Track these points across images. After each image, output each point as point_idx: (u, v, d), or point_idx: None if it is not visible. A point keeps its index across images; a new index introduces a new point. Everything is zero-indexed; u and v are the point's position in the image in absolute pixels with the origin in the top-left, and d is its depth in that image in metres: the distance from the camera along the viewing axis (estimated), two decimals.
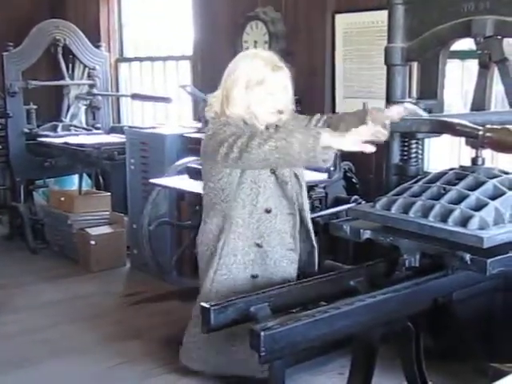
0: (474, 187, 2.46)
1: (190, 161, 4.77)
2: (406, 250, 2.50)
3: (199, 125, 5.57)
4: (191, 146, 5.30)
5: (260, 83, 2.69)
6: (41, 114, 7.01)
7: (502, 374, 1.81)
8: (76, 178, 6.69)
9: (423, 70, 3.20)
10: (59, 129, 6.91)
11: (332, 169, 4.21)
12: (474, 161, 2.62)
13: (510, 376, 1.73)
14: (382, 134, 2.48)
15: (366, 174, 4.52)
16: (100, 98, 7.06)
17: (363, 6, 4.54)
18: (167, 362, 3.89)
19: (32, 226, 6.63)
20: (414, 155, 3.20)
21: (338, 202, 4.30)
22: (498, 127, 2.43)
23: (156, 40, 6.85)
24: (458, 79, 4.19)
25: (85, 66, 7.09)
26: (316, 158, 2.42)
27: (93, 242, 5.87)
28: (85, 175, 6.70)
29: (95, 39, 7.09)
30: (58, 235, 6.32)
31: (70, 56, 7.10)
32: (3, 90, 6.58)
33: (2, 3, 7.18)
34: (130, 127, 6.22)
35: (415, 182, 2.65)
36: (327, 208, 4.26)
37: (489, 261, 2.22)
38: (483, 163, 2.62)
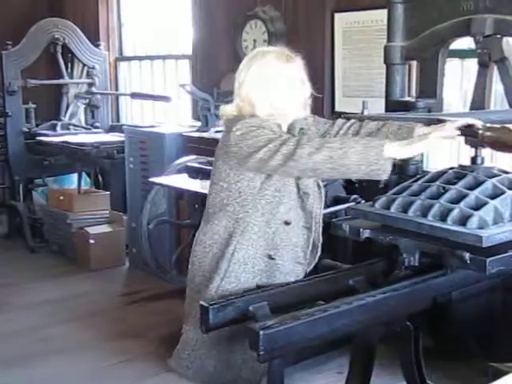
0: (473, 186, 2.46)
1: (189, 160, 4.77)
2: (406, 249, 2.50)
3: (198, 124, 5.58)
4: (190, 144, 5.31)
5: (277, 77, 2.61)
6: (40, 113, 7.01)
7: (501, 374, 1.80)
8: (75, 176, 6.69)
9: (422, 69, 3.21)
10: (58, 128, 6.90)
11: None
12: (474, 160, 2.62)
13: (509, 375, 1.73)
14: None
15: None
16: (99, 96, 7.06)
17: (363, 4, 4.54)
18: (166, 361, 3.89)
19: (31, 224, 6.64)
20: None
21: (337, 201, 4.29)
22: (498, 126, 2.43)
23: (155, 39, 6.84)
24: (458, 78, 4.18)
25: (84, 65, 7.09)
26: (378, 170, 2.35)
27: (92, 241, 5.87)
28: (84, 174, 6.70)
29: (94, 38, 7.08)
30: (57, 234, 6.32)
31: (69, 55, 7.10)
32: (2, 88, 6.58)
33: (0, 2, 7.17)
34: (129, 126, 6.22)
35: (414, 181, 2.65)
36: (326, 207, 4.24)
37: (488, 260, 2.22)
38: (483, 162, 2.62)
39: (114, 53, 7.27)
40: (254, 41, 5.29)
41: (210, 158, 4.66)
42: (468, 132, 2.44)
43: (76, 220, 6.06)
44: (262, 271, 2.63)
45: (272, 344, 2.14)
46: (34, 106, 6.86)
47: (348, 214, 2.73)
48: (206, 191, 4.08)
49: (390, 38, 3.25)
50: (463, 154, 3.37)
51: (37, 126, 6.88)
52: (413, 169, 3.15)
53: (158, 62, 6.81)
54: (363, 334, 2.66)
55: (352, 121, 2.77)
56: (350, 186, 4.48)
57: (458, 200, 2.40)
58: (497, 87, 3.28)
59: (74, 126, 7.07)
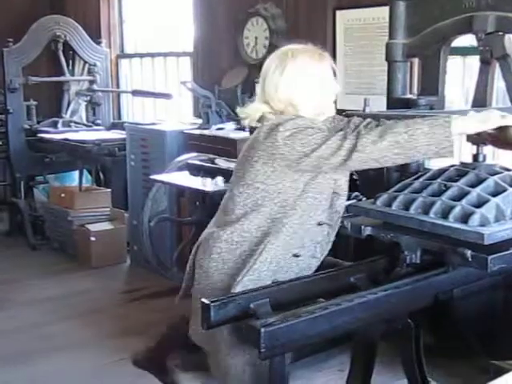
0: (475, 184, 2.45)
1: (190, 157, 4.77)
2: (407, 246, 2.49)
3: (199, 121, 5.58)
4: (191, 142, 5.30)
5: (315, 76, 2.59)
6: (41, 110, 7.02)
7: (502, 371, 1.80)
8: (76, 174, 6.69)
9: (424, 67, 3.20)
10: (59, 125, 6.91)
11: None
12: (475, 157, 2.62)
13: (510, 373, 1.73)
14: None
15: (367, 171, 4.50)
16: (100, 94, 7.06)
17: (364, 2, 4.54)
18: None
19: (32, 222, 6.65)
20: None
21: None
22: None
23: (156, 36, 6.83)
24: (459, 75, 4.18)
25: (85, 62, 7.09)
26: (449, 147, 2.31)
27: (93, 239, 5.87)
28: (85, 171, 6.70)
29: (95, 35, 7.08)
30: (58, 231, 6.33)
31: (71, 52, 7.11)
32: (3, 85, 6.58)
33: None
34: (131, 123, 6.22)
35: (416, 179, 2.65)
36: None
37: (490, 257, 2.21)
38: (484, 160, 2.62)
39: (115, 50, 7.27)
40: (256, 38, 5.29)
41: (211, 156, 4.67)
42: None
43: (77, 217, 6.07)
44: (282, 267, 2.61)
45: (273, 341, 2.14)
46: (35, 103, 6.86)
47: (349, 212, 2.73)
48: (207, 189, 4.13)
49: (391, 36, 3.24)
50: (465, 151, 3.37)
51: (38, 123, 6.88)
52: (414, 166, 3.14)
53: (159, 60, 6.81)
54: (364, 331, 2.66)
55: (368, 119, 2.76)
56: (351, 183, 4.47)
57: (459, 197, 2.40)
58: (499, 84, 3.28)
59: (75, 123, 7.07)
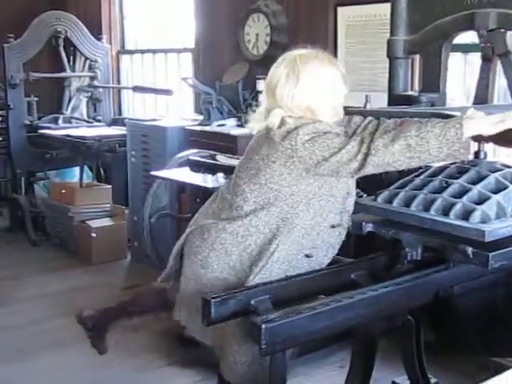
0: (476, 181, 2.45)
1: (191, 153, 4.77)
2: (408, 243, 2.49)
3: (201, 117, 5.58)
4: (192, 138, 5.30)
5: (328, 81, 2.61)
6: (42, 106, 7.02)
7: (503, 368, 1.80)
8: (77, 170, 6.69)
9: (426, 63, 3.19)
10: (60, 121, 6.91)
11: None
12: (476, 154, 2.62)
13: (510, 370, 1.73)
14: None
15: None
16: (101, 90, 7.06)
17: None
18: (167, 354, 3.90)
19: (33, 218, 6.65)
20: None
21: None
22: None
23: (157, 32, 6.83)
24: (461, 72, 4.18)
25: (86, 58, 7.09)
26: (461, 149, 2.30)
27: (93, 235, 5.87)
28: (86, 167, 6.70)
29: (96, 31, 7.08)
30: (59, 227, 6.33)
31: (71, 48, 7.11)
32: (4, 81, 6.58)
33: None
34: (131, 119, 6.22)
35: (417, 176, 2.65)
36: None
37: (491, 254, 2.21)
38: (485, 157, 2.62)
39: (116, 46, 7.27)
40: (257, 35, 5.29)
41: (212, 152, 4.67)
42: None
43: (78, 213, 6.07)
44: (294, 267, 2.61)
45: (274, 337, 2.14)
46: (36, 99, 6.86)
47: None
48: (207, 185, 4.12)
49: (393, 32, 3.24)
50: None
51: (39, 119, 6.88)
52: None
53: (160, 56, 6.81)
54: (365, 327, 2.66)
55: (369, 118, 2.76)
56: None
57: (460, 194, 2.40)
58: (500, 82, 3.27)
59: (76, 119, 7.07)
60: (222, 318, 2.32)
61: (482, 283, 2.61)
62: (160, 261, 5.05)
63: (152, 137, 5.57)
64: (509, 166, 2.59)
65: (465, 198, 2.37)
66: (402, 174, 2.94)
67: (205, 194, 4.33)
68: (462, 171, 2.54)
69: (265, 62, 4.59)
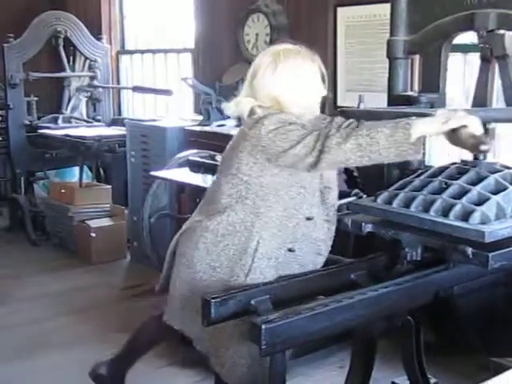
0: (475, 182, 2.46)
1: (190, 153, 4.77)
2: (408, 243, 2.50)
3: (200, 118, 5.58)
4: (192, 138, 5.31)
5: (305, 78, 2.62)
6: (41, 106, 7.02)
7: (503, 369, 1.81)
8: (76, 170, 6.69)
9: (425, 64, 3.19)
10: (60, 121, 6.91)
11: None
12: (476, 155, 2.62)
13: (511, 370, 1.73)
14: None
15: (367, 168, 4.51)
16: (101, 90, 7.05)
17: None
18: (168, 354, 3.89)
19: (32, 217, 6.65)
20: None
21: (338, 195, 4.29)
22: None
23: (157, 32, 6.83)
24: (460, 73, 4.18)
25: (86, 58, 7.09)
26: (410, 150, 2.33)
27: (93, 235, 5.87)
28: (85, 167, 6.70)
29: (96, 31, 7.08)
30: (59, 227, 6.33)
31: (71, 48, 7.11)
32: (4, 81, 6.58)
33: None
34: (131, 120, 6.22)
35: (417, 177, 2.65)
36: None
37: (491, 255, 2.22)
38: (485, 158, 2.62)
39: (115, 46, 7.27)
40: (257, 35, 5.29)
41: (211, 152, 4.66)
42: None
43: (77, 213, 6.07)
44: (282, 263, 2.63)
45: (274, 338, 2.14)
46: (35, 98, 6.86)
47: (350, 209, 2.73)
48: (207, 185, 4.11)
49: (392, 33, 3.24)
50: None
51: (38, 118, 6.88)
52: (415, 163, 3.13)
53: (159, 56, 6.81)
54: (365, 328, 2.66)
55: (351, 120, 2.76)
56: (352, 180, 4.48)
57: (460, 195, 2.40)
58: (499, 83, 3.27)
59: (76, 119, 7.07)
60: (222, 318, 2.33)
61: (482, 283, 2.61)
62: (159, 261, 5.05)
63: (152, 137, 5.57)
64: (508, 167, 2.59)
65: (464, 199, 2.37)
66: (402, 174, 2.95)
67: (204, 194, 4.34)
68: (461, 172, 2.54)
69: None
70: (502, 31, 2.83)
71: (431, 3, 3.11)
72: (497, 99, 3.50)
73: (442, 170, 2.62)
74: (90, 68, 7.05)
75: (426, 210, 2.43)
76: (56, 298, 5.02)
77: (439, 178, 2.55)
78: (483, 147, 2.34)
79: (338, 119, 2.77)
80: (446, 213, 2.37)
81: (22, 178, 6.71)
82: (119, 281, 5.49)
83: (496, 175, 2.47)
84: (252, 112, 2.65)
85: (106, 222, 6.07)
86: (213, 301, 2.29)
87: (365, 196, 4.02)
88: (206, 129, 5.27)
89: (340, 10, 4.72)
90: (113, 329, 4.39)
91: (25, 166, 6.71)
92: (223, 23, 5.69)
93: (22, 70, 6.61)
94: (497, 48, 2.79)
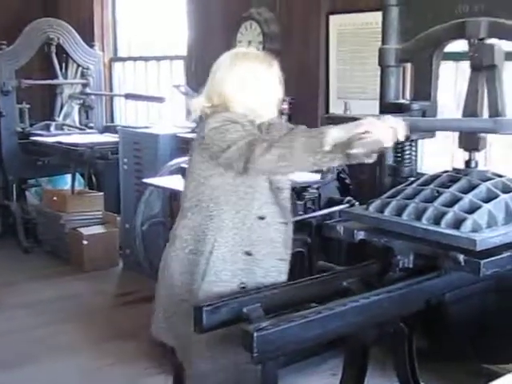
0: (467, 190, 2.47)
1: (183, 161, 4.76)
2: (400, 250, 2.50)
3: (193, 125, 5.57)
4: (184, 146, 5.30)
5: (258, 81, 2.64)
6: (34, 113, 7.00)
7: (494, 375, 1.81)
8: (69, 177, 6.68)
9: (417, 72, 3.20)
10: (52, 128, 6.89)
11: (325, 170, 4.22)
12: (468, 163, 2.63)
13: (504, 377, 1.74)
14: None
15: (360, 175, 4.52)
16: (93, 97, 7.05)
17: (357, 7, 4.55)
18: (159, 362, 3.88)
19: (24, 225, 6.63)
20: (407, 156, 3.20)
21: (331, 203, 4.30)
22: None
23: (150, 40, 6.83)
24: (452, 80, 4.20)
25: (78, 65, 7.08)
26: (324, 158, 2.32)
27: (85, 242, 5.86)
28: (78, 175, 6.68)
29: (89, 38, 7.08)
30: (51, 234, 6.31)
31: (64, 55, 7.09)
32: None
33: None
34: (124, 127, 6.22)
35: (409, 185, 2.66)
36: (320, 209, 4.26)
37: (482, 262, 2.23)
38: (476, 166, 2.63)
39: (108, 53, 7.27)
40: (249, 42, 5.29)
41: None
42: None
43: (69, 220, 6.06)
44: (242, 270, 2.62)
45: (266, 346, 2.14)
46: (27, 106, 6.84)
47: (342, 217, 2.74)
48: None
49: (384, 41, 3.25)
50: (457, 157, 3.38)
51: (31, 126, 6.86)
52: (407, 171, 3.14)
53: (152, 63, 6.81)
54: (357, 335, 2.67)
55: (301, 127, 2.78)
56: (344, 187, 4.49)
57: (452, 203, 2.42)
58: None
59: (68, 126, 7.06)
60: (214, 325, 2.33)
61: (474, 290, 2.62)
62: (152, 268, 5.05)
63: (144, 144, 5.56)
64: (500, 175, 2.60)
65: (456, 207, 2.38)
66: (394, 182, 2.96)
67: None
68: (453, 180, 2.55)
69: None
70: (491, 41, 2.84)
71: (423, 11, 3.12)
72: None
73: (433, 178, 2.63)
74: (83, 75, 7.03)
75: (418, 218, 2.44)
76: (48, 305, 5.01)
77: (431, 185, 2.56)
78: (367, 160, 2.33)
79: (302, 127, 2.76)
80: (437, 221, 2.38)
81: (14, 185, 6.69)
82: (111, 288, 5.48)
83: (487, 183, 2.48)
84: (202, 111, 2.69)
85: (98, 229, 6.06)
86: (205, 308, 2.29)
87: (357, 203, 4.04)
88: None
89: (332, 17, 4.74)
90: (105, 336, 4.39)
91: (17, 173, 6.69)
92: (216, 31, 5.69)
93: (15, 77, 6.59)
94: (486, 58, 2.80)
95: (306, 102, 4.87)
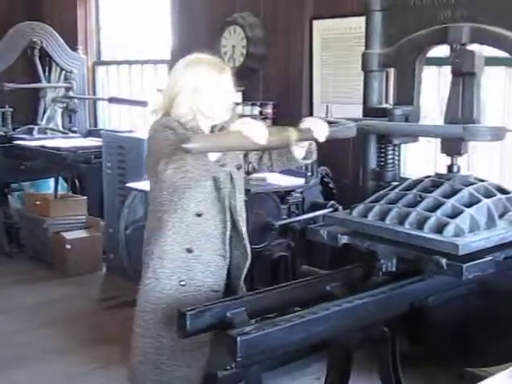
0: (449, 195, 2.48)
1: None
2: (383, 254, 2.51)
3: None
4: None
5: (206, 86, 2.68)
6: (17, 117, 6.95)
7: (477, 378, 1.82)
8: (52, 181, 6.64)
9: (400, 77, 3.22)
10: (35, 132, 6.86)
11: (309, 174, 4.23)
12: (450, 168, 2.64)
13: (487, 380, 1.75)
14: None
15: (343, 180, 4.54)
16: (77, 101, 7.03)
17: (341, 12, 4.57)
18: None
19: (7, 229, 6.58)
20: (390, 160, 3.21)
21: (314, 207, 4.32)
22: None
23: (134, 44, 6.82)
24: (435, 85, 4.22)
25: (62, 69, 7.06)
26: (198, 165, 2.37)
27: (68, 246, 5.83)
28: (61, 179, 6.65)
29: (72, 42, 7.06)
30: (34, 239, 6.28)
31: (47, 59, 7.07)
32: None
33: None
34: (107, 131, 6.20)
35: (392, 189, 2.67)
36: (304, 213, 4.27)
37: (465, 266, 2.24)
38: (459, 171, 2.64)
39: (91, 57, 7.25)
40: (233, 46, 5.30)
41: None
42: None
43: (52, 225, 6.03)
44: (181, 267, 2.68)
45: (250, 350, 2.14)
46: (10, 109, 6.80)
47: (326, 222, 2.74)
48: None
49: (367, 46, 3.26)
50: (440, 161, 3.40)
51: (13, 129, 6.82)
52: (390, 175, 3.16)
53: (136, 67, 6.80)
54: (341, 339, 2.67)
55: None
56: (328, 191, 4.50)
57: (434, 208, 2.43)
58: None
59: (52, 130, 7.03)
60: (197, 330, 2.32)
61: (456, 294, 2.64)
62: (136, 273, 5.03)
63: (128, 148, 5.55)
64: (482, 180, 2.62)
65: (439, 212, 2.39)
66: (377, 186, 2.97)
67: None
68: (436, 185, 2.56)
69: (241, 74, 4.61)
70: (473, 47, 2.86)
71: (405, 17, 3.14)
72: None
73: (416, 182, 2.64)
74: (66, 79, 7.02)
75: (401, 222, 2.45)
76: (31, 310, 4.98)
77: (414, 190, 2.58)
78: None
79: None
80: (420, 225, 2.40)
81: None
82: (95, 293, 5.46)
83: (470, 188, 2.50)
84: (154, 114, 2.78)
85: (81, 233, 6.03)
86: (188, 313, 2.29)
87: (340, 207, 4.05)
88: None
89: (316, 22, 4.76)
90: (89, 341, 4.37)
91: None
92: (200, 35, 5.69)
93: None
94: (466, 64, 2.82)
95: (290, 107, 4.89)
